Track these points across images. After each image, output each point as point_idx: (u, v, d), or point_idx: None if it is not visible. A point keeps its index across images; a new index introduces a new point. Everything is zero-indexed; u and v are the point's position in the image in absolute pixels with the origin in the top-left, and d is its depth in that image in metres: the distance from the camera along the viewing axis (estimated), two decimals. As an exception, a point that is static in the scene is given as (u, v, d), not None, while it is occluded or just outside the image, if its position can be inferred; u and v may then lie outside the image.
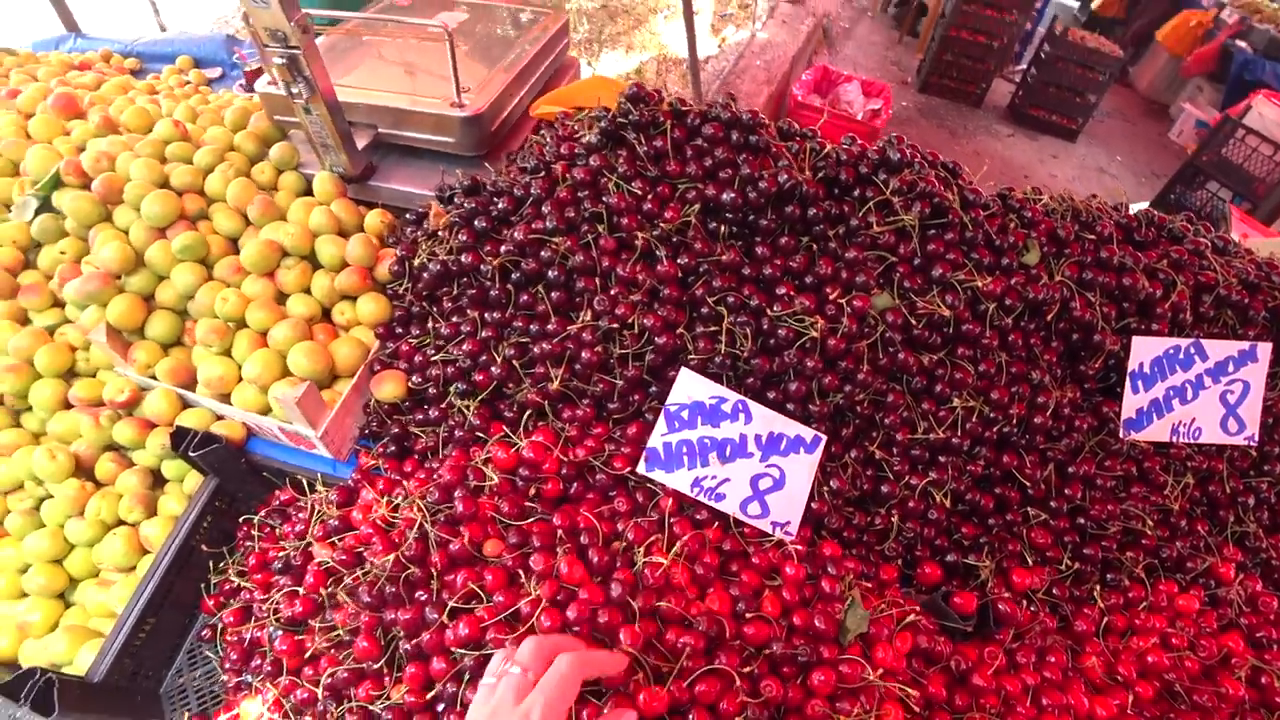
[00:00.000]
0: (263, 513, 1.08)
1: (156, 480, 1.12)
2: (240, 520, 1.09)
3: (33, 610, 1.03)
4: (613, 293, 0.98)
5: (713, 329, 0.96)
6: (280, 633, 0.91)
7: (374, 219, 1.20)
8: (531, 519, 0.87)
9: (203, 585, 1.05)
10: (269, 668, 0.89)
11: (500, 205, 1.05)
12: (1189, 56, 5.26)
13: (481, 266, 1.03)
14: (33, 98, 1.47)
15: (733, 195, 0.96)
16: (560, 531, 0.85)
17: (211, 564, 1.06)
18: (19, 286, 1.15)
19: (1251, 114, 2.46)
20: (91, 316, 1.09)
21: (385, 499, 0.95)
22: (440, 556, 0.84)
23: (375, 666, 0.83)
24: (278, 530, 1.05)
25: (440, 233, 1.09)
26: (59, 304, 1.17)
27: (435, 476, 0.94)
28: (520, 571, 0.82)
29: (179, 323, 1.12)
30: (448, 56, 1.14)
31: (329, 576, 0.93)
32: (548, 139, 1.14)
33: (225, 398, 1.07)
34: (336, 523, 0.97)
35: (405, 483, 1.00)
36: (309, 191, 1.26)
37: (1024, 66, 5.39)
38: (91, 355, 1.12)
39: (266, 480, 1.13)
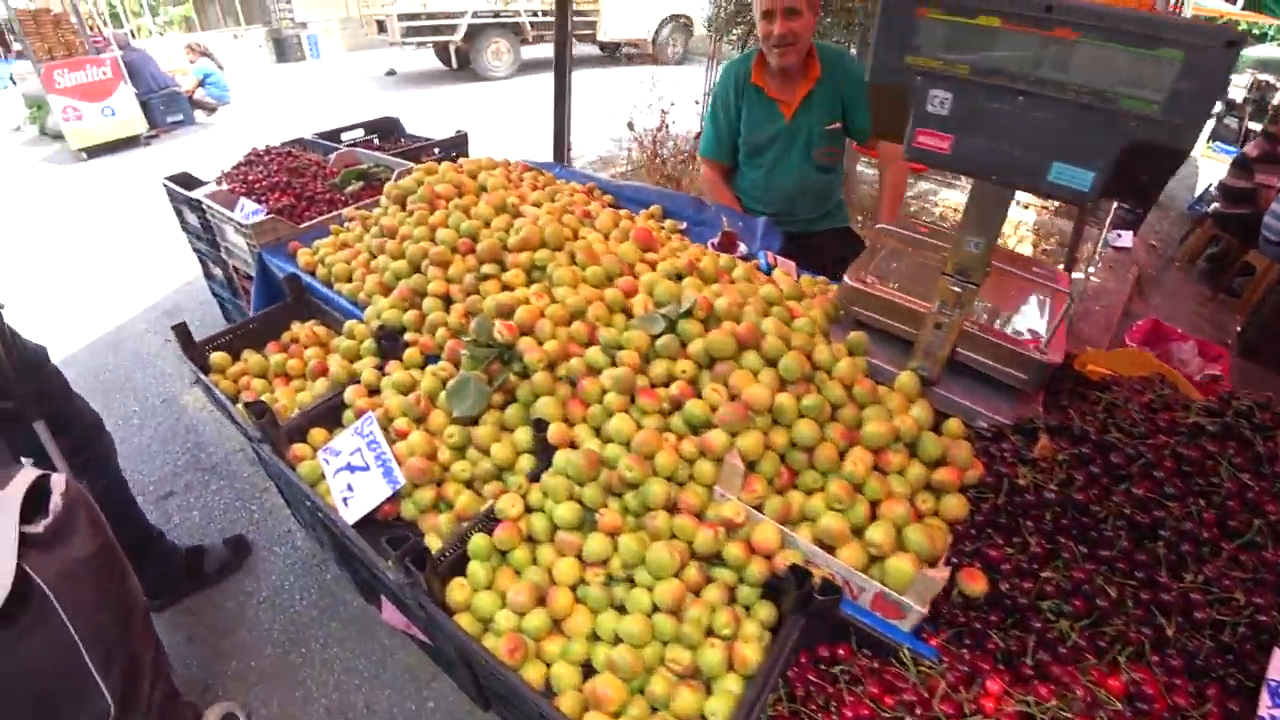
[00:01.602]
0: (838, 668, 1.17)
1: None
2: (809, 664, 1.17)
3: (605, 686, 1.15)
4: (1218, 564, 1.07)
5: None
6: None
7: (954, 426, 1.36)
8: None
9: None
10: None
11: (1113, 459, 1.19)
12: None
13: (1091, 507, 1.15)
14: (606, 224, 1.83)
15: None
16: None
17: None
18: (638, 388, 1.38)
19: None
20: (721, 440, 1.28)
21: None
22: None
23: None
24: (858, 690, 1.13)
25: (1041, 462, 1.24)
26: (663, 412, 1.39)
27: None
28: None
29: (778, 464, 1.30)
30: (1046, 309, 1.33)
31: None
32: (1131, 403, 1.29)
33: (829, 548, 1.22)
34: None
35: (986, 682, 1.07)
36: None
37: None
38: (697, 469, 1.31)
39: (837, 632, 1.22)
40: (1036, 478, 1.23)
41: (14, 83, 9.83)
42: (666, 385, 1.39)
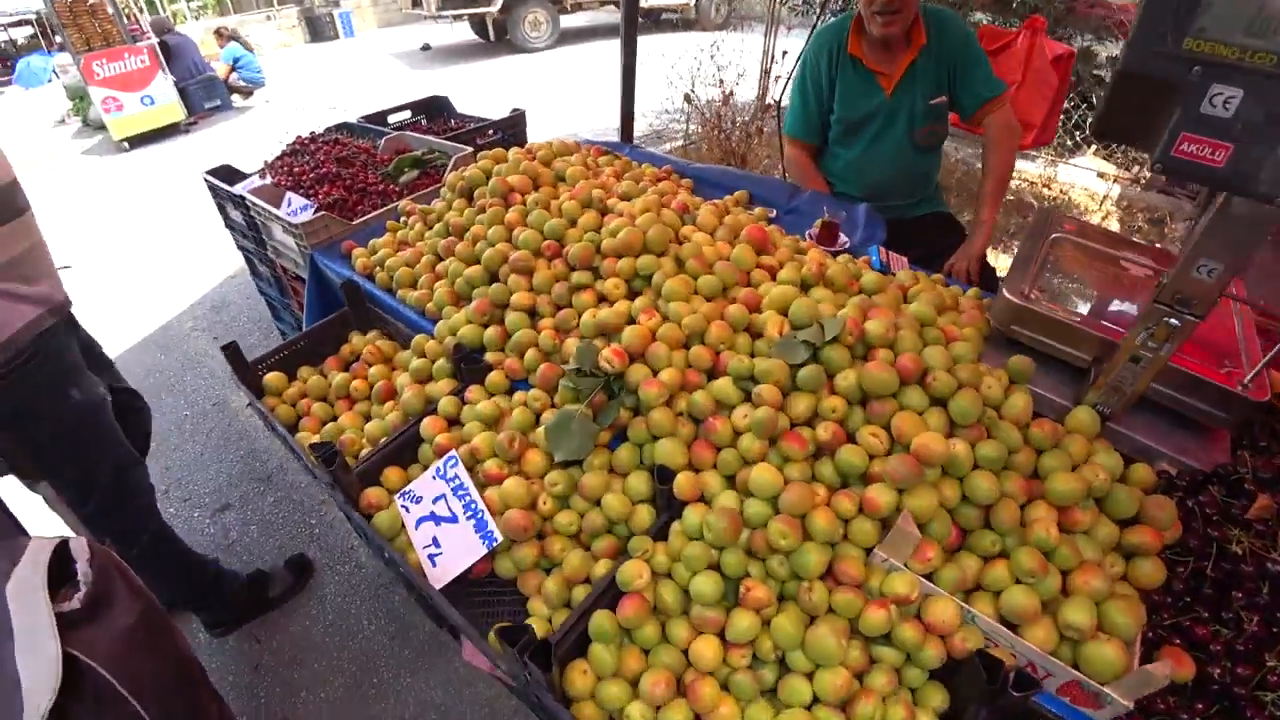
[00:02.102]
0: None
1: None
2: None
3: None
4: None
5: None
6: None
7: (1144, 474, 1.10)
8: None
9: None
10: None
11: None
12: None
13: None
14: (708, 220, 1.58)
15: None
16: None
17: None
18: (779, 429, 1.15)
19: None
20: (888, 498, 1.04)
21: None
22: None
23: None
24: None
25: (1257, 524, 0.98)
26: (808, 458, 1.15)
27: None
28: None
29: (950, 523, 1.06)
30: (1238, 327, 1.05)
31: None
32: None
33: (1014, 628, 0.98)
34: None
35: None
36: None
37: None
38: (854, 530, 1.08)
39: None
40: (1254, 544, 0.99)
41: (57, 75, 9.88)
42: (808, 425, 1.16)
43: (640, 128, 6.46)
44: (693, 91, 5.20)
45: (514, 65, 10.18)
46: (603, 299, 1.44)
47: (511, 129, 3.06)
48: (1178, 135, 0.83)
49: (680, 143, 5.81)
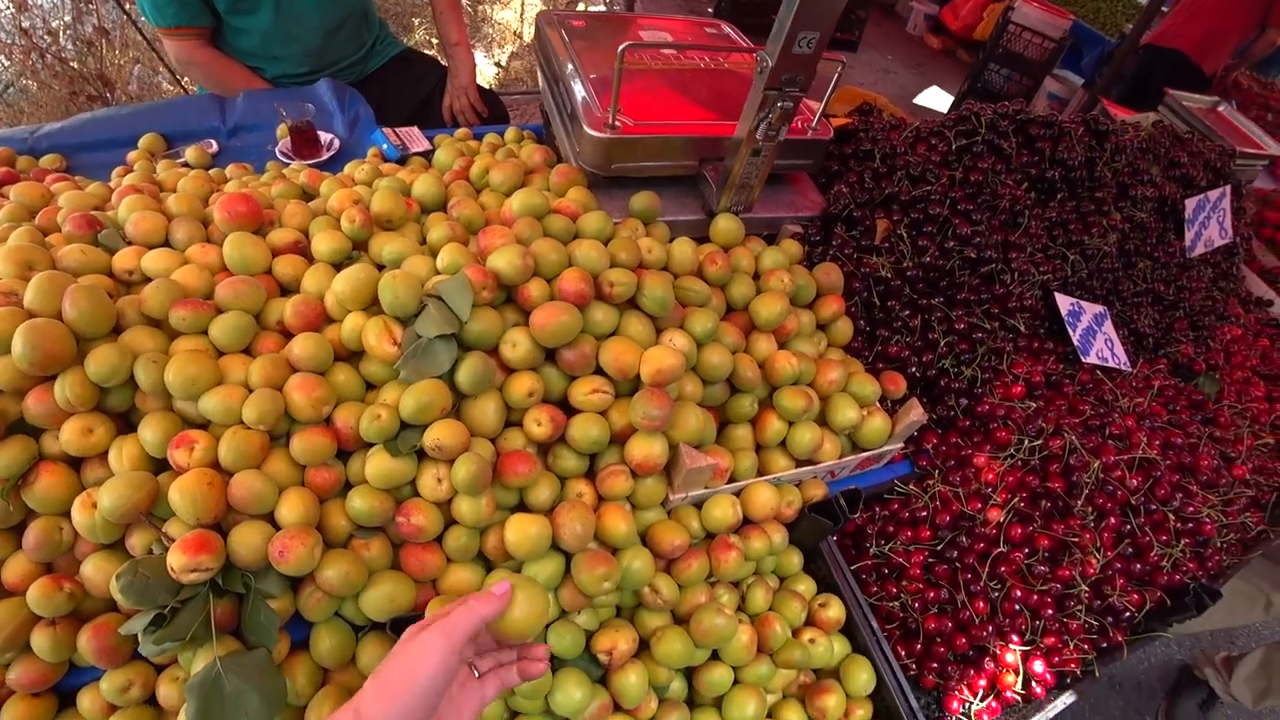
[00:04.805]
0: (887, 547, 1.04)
1: None
2: None
3: None
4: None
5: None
6: None
7: (793, 248, 1.15)
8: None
9: None
10: None
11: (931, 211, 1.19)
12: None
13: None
14: (149, 225, 0.89)
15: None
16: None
17: None
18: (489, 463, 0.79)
19: (1016, 12, 3.40)
20: (660, 447, 0.84)
21: None
22: None
23: None
24: None
25: (884, 244, 1.18)
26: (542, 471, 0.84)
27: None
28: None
29: (710, 420, 0.94)
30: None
31: None
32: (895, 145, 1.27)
33: (810, 461, 0.98)
34: None
35: None
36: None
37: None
38: (640, 497, 0.86)
39: None
40: (887, 261, 1.17)
41: None
42: (513, 427, 0.84)
43: None
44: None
45: None
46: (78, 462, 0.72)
47: None
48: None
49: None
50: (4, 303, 0.75)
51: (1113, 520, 1.06)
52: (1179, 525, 1.08)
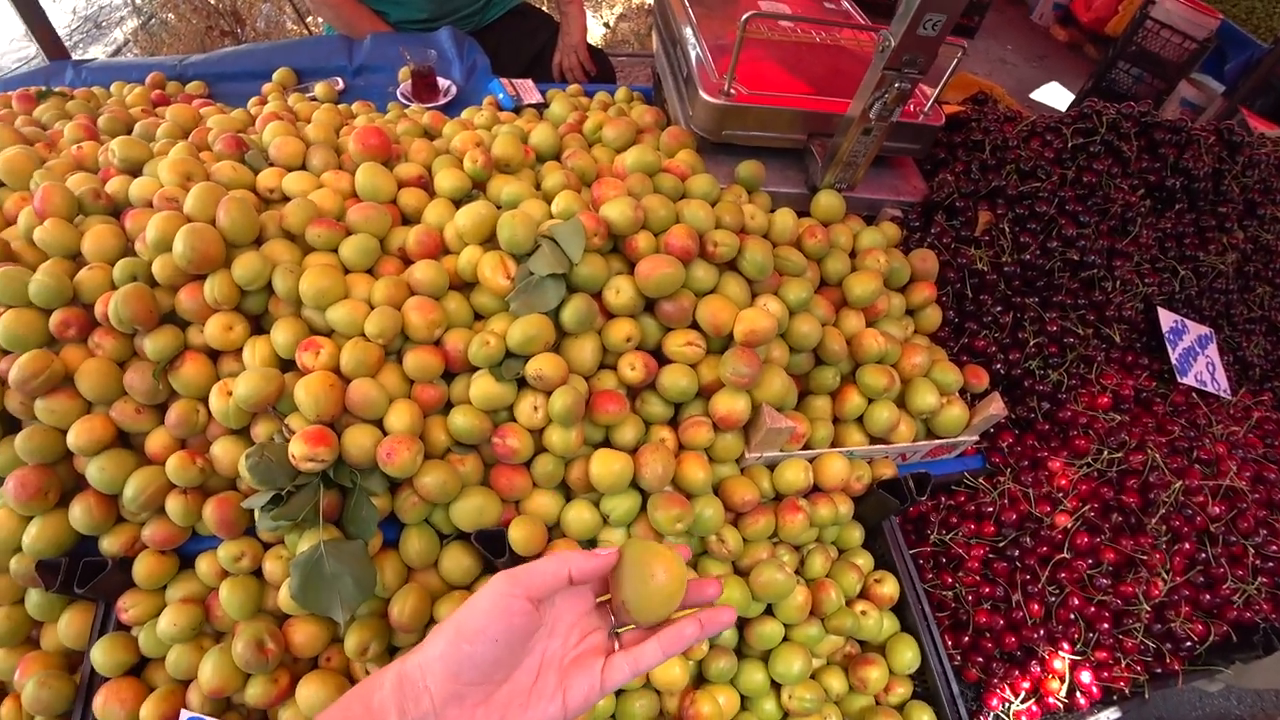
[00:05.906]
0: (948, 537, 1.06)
1: None
2: None
3: None
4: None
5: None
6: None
7: (892, 230, 1.15)
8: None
9: None
10: None
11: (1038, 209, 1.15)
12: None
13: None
14: (290, 148, 0.98)
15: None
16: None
17: None
18: (583, 399, 0.85)
19: (1156, 8, 3.10)
20: (743, 404, 0.88)
21: None
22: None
23: None
24: None
25: (984, 237, 1.15)
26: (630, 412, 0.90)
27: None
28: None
29: (793, 386, 0.97)
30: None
31: None
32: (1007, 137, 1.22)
33: (884, 440, 1.00)
34: None
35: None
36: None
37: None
38: (718, 450, 0.91)
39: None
40: (987, 255, 1.15)
41: None
42: (607, 370, 0.89)
43: (61, 27, 4.02)
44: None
45: None
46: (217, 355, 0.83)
47: None
48: None
49: (133, 25, 3.80)
50: (167, 207, 0.85)
51: (1187, 545, 1.04)
52: (1258, 562, 1.04)
